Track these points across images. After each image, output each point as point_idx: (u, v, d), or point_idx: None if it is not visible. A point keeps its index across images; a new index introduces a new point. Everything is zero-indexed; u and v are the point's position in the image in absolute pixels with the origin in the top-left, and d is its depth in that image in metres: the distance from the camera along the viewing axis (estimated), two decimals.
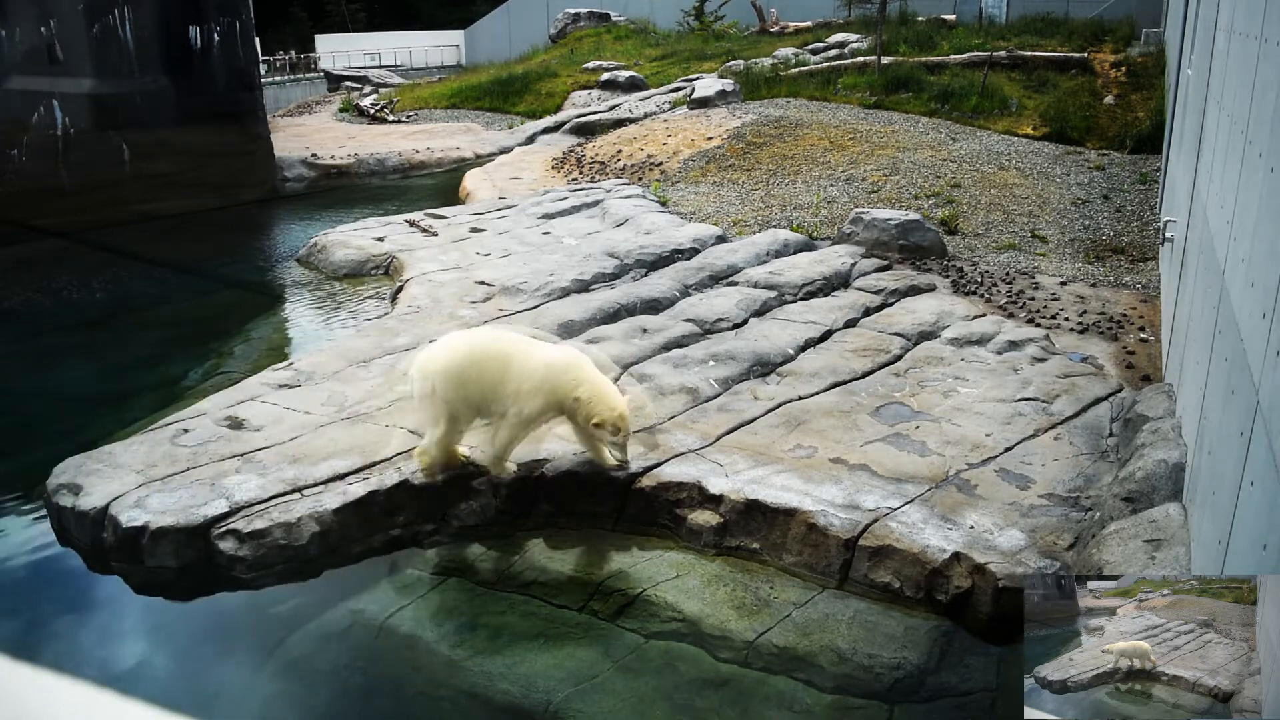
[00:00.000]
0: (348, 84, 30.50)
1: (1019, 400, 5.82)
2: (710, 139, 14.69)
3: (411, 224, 10.89)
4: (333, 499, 4.67)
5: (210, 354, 7.92)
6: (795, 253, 9.15)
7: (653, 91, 21.00)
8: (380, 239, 10.33)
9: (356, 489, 4.76)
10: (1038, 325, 7.33)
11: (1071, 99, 15.18)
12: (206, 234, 13.11)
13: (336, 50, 38.99)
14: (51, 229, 11.94)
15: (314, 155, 17.24)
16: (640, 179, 13.55)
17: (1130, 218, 10.44)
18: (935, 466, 4.98)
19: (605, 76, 22.46)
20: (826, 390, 6.05)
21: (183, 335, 8.79)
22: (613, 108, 19.67)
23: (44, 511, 4.98)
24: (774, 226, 10.27)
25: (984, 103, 15.38)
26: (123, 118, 12.97)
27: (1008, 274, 8.70)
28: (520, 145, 18.26)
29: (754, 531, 4.63)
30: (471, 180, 14.71)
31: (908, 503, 4.60)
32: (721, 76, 19.77)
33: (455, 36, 41.57)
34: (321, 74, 33.92)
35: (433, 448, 4.82)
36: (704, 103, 17.21)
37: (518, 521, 4.94)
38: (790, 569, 4.49)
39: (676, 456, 5.11)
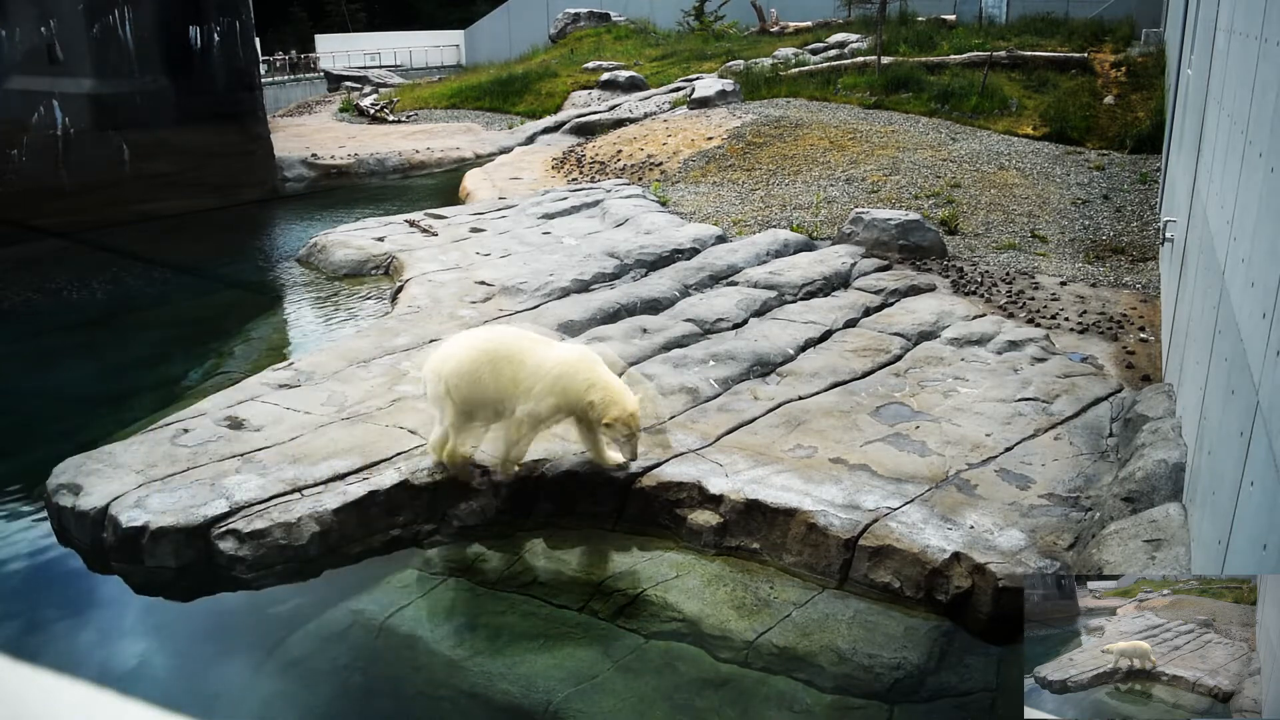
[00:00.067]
0: (348, 84, 30.51)
1: (1019, 400, 5.82)
2: (710, 139, 14.69)
3: (411, 224, 10.89)
4: (333, 499, 4.68)
5: (210, 354, 7.92)
6: (795, 253, 9.16)
7: (653, 91, 21.00)
8: (380, 239, 10.33)
9: (356, 489, 4.77)
10: (1038, 325, 7.33)
11: (1071, 99, 15.18)
12: (206, 234, 13.12)
13: (336, 50, 39.01)
14: (51, 229, 11.94)
15: (314, 155, 17.24)
16: (640, 179, 13.55)
17: (1130, 218, 10.44)
18: (935, 466, 4.98)
19: (605, 76, 22.47)
20: (826, 390, 6.05)
21: (183, 335, 8.79)
22: (613, 108, 19.67)
23: (44, 512, 4.98)
24: (774, 226, 10.27)
25: (984, 103, 15.38)
26: (123, 118, 12.98)
27: (1008, 274, 8.70)
28: (520, 145, 18.27)
29: (754, 531, 4.63)
30: (471, 180, 14.71)
31: (908, 503, 4.60)
32: (721, 76, 19.77)
33: (455, 36, 41.59)
34: (321, 74, 33.93)
35: (448, 446, 4.83)
36: (704, 103, 17.21)
37: (518, 521, 4.94)
38: (790, 569, 4.49)
39: (676, 456, 5.11)
